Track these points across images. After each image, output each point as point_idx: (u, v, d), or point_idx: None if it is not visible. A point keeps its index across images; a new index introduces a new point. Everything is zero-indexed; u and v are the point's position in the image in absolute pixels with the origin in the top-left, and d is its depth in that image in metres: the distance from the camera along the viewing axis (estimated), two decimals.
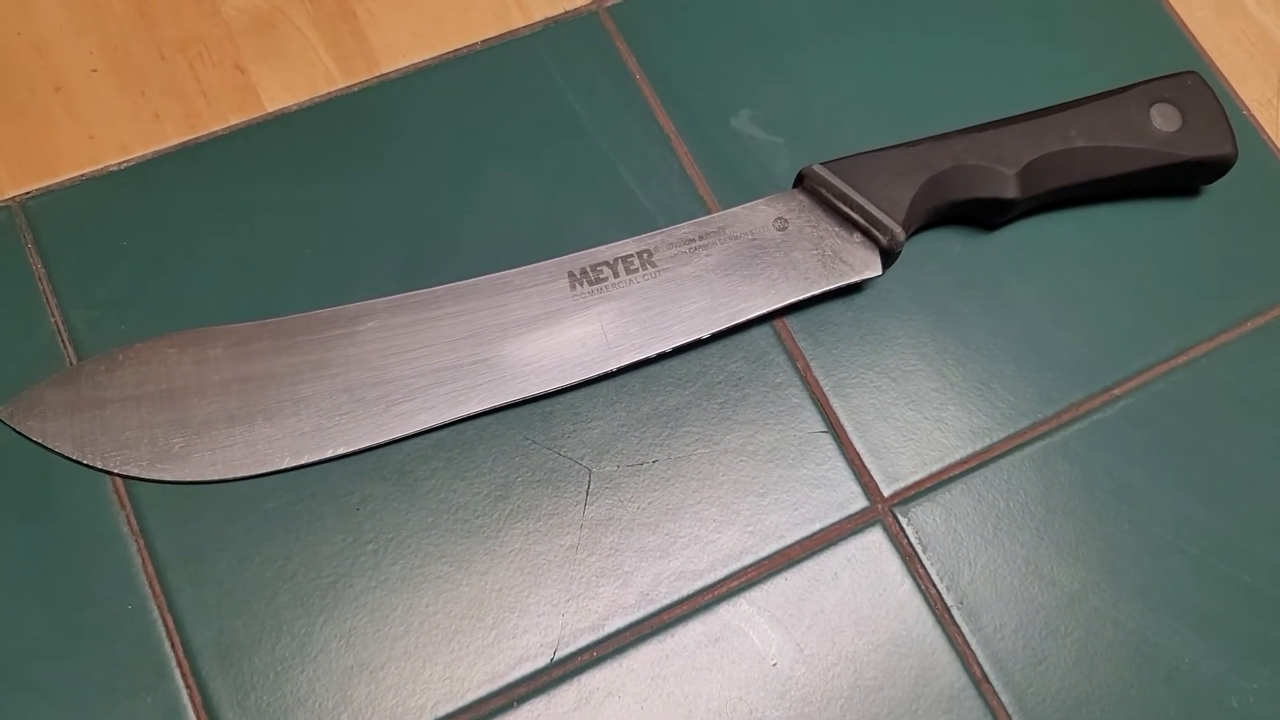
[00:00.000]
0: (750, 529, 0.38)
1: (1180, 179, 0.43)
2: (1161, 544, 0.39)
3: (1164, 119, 0.42)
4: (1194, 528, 0.39)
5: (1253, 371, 0.42)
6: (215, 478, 0.37)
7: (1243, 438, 0.41)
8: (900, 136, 0.42)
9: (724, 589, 0.37)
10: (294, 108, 0.43)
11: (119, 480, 0.37)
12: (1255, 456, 0.40)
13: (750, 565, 0.38)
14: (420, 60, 0.44)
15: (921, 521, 0.39)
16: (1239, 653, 0.38)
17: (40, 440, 0.37)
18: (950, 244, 0.43)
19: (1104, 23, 0.48)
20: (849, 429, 0.40)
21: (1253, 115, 0.47)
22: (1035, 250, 0.43)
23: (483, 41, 0.45)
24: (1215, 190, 0.44)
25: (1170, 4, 0.48)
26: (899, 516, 0.39)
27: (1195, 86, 0.43)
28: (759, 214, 0.41)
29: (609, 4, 0.46)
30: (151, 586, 0.36)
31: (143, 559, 0.36)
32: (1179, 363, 0.42)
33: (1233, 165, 0.42)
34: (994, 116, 0.42)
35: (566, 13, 0.45)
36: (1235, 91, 0.47)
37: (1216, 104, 0.42)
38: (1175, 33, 0.48)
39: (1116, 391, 0.41)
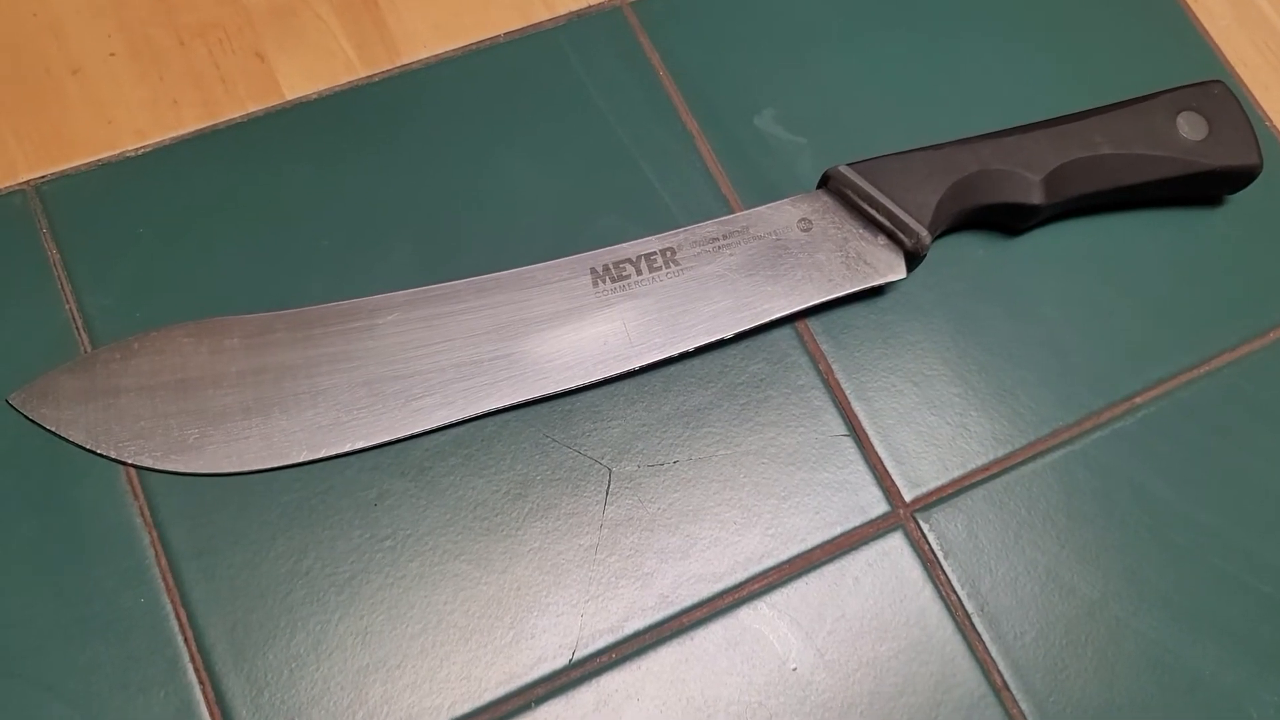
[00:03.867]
0: (771, 532, 0.38)
1: (1204, 188, 0.43)
2: (1182, 553, 0.39)
3: (1190, 127, 0.42)
4: (1215, 538, 0.39)
5: (1275, 382, 0.41)
6: (230, 470, 0.36)
7: (1264, 448, 0.41)
8: (923, 139, 0.41)
9: (744, 592, 0.37)
10: (313, 96, 0.42)
11: (132, 471, 0.36)
12: (1276, 467, 0.40)
13: (771, 568, 0.37)
14: (442, 51, 0.44)
15: (943, 527, 0.38)
16: (1260, 664, 0.37)
17: (53, 428, 0.36)
18: (973, 249, 0.43)
19: (1127, 29, 0.48)
20: (871, 433, 0.39)
21: (1274, 125, 0.47)
22: (1058, 257, 0.43)
23: (505, 34, 0.44)
24: (1238, 200, 0.44)
25: (1193, 13, 0.48)
26: (920, 522, 0.38)
27: (1221, 95, 0.43)
28: (783, 214, 0.40)
29: None
30: (164, 579, 0.35)
31: (156, 551, 0.35)
32: (1201, 372, 0.42)
33: (1258, 175, 0.42)
34: (1016, 121, 0.42)
35: (590, 6, 0.45)
36: (1258, 101, 0.47)
37: (1242, 113, 0.42)
38: (1198, 41, 0.48)
39: (1138, 400, 0.41)
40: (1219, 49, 0.48)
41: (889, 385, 0.40)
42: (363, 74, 0.43)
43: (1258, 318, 0.43)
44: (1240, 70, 0.47)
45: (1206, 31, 0.48)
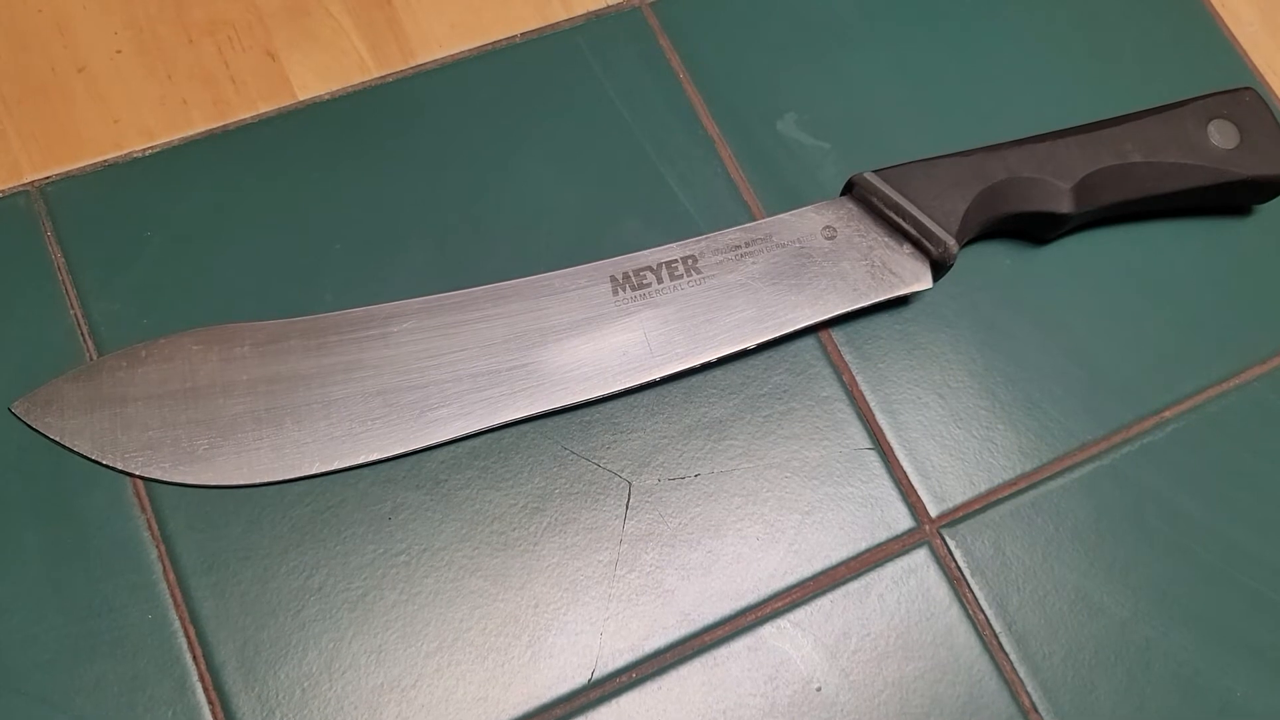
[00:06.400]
0: (794, 548, 0.37)
1: (1235, 197, 0.42)
2: (1213, 572, 0.38)
3: (1221, 136, 0.41)
4: (1246, 556, 0.38)
5: None
6: (241, 482, 0.35)
7: None
8: (948, 146, 0.40)
9: (768, 610, 0.36)
10: (326, 97, 0.41)
11: (140, 482, 0.35)
12: None
13: (794, 585, 0.36)
14: (458, 51, 0.43)
15: (970, 544, 0.37)
16: None
17: (58, 438, 0.35)
18: (1000, 258, 0.42)
19: (1155, 36, 0.47)
20: (896, 446, 0.39)
21: None
22: (1085, 267, 0.42)
23: (522, 34, 0.43)
24: (1267, 210, 0.44)
25: (1221, 19, 0.47)
26: (946, 539, 0.37)
27: (1253, 103, 0.42)
28: (807, 221, 0.40)
29: None
30: (173, 595, 0.34)
31: (164, 566, 0.34)
32: (1230, 386, 0.41)
33: None
34: (1043, 127, 0.41)
35: (608, 7, 0.44)
36: None
37: (1274, 121, 0.41)
38: (1226, 48, 0.47)
39: (1167, 414, 0.40)
40: (1247, 55, 0.47)
41: (914, 397, 0.39)
42: (376, 74, 0.42)
43: None
44: (1268, 76, 0.47)
45: (1234, 36, 0.47)
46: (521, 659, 0.34)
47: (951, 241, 0.38)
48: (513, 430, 0.37)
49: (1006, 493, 0.38)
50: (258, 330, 0.37)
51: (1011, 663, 0.36)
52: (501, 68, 0.42)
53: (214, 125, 0.40)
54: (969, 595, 0.37)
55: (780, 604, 0.36)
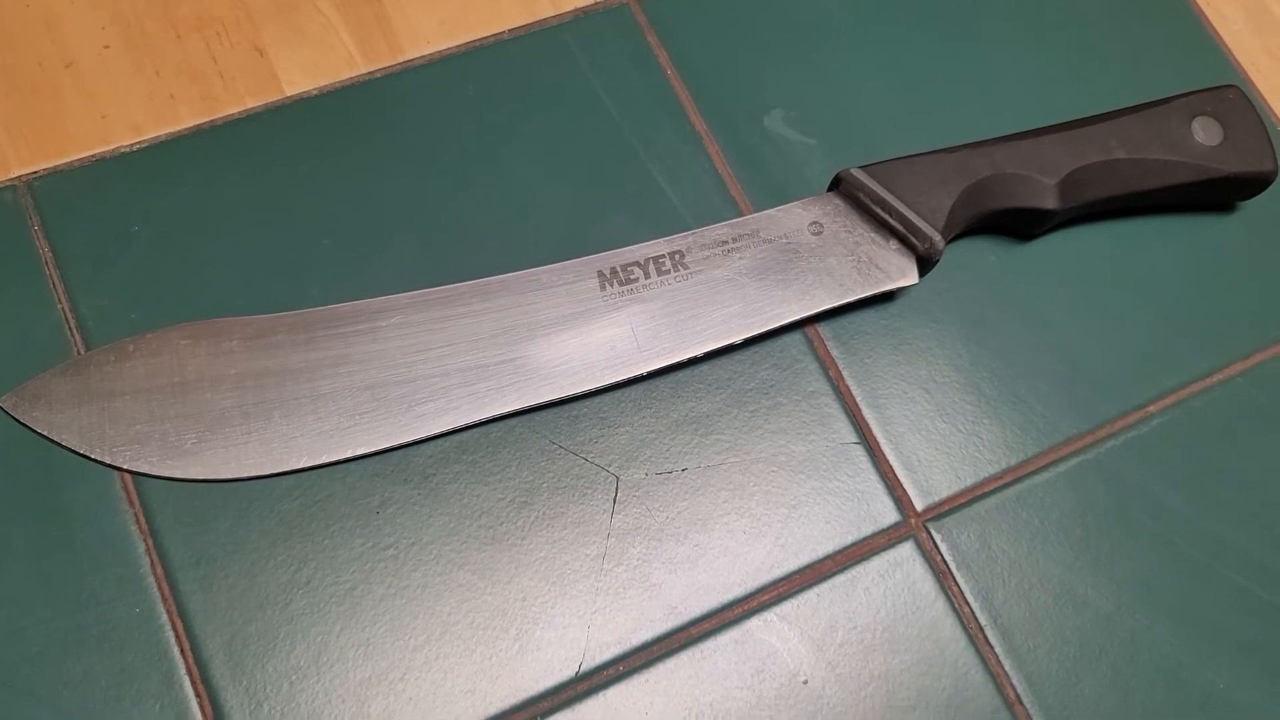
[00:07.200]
0: (781, 542, 0.37)
1: (1219, 194, 0.43)
2: (1197, 566, 0.38)
3: (1205, 133, 0.41)
4: (1229, 550, 0.38)
5: None
6: (229, 476, 0.35)
7: (1277, 458, 0.40)
8: (934, 142, 0.41)
9: (754, 603, 0.36)
10: (314, 92, 0.41)
11: (128, 476, 0.35)
12: None
13: (781, 579, 0.37)
14: (446, 47, 0.43)
15: (955, 538, 0.38)
16: (1274, 679, 0.37)
17: (45, 432, 0.35)
18: (985, 254, 0.42)
19: (1139, 33, 0.47)
20: (882, 441, 0.39)
21: None
22: (1070, 263, 0.42)
23: (510, 30, 0.43)
24: (1251, 206, 0.44)
25: (1206, 17, 0.48)
26: (932, 532, 0.38)
27: (1236, 100, 0.42)
28: (793, 217, 0.40)
29: None
30: (160, 589, 0.34)
31: (151, 560, 0.34)
32: (1213, 381, 0.41)
33: (1273, 181, 0.42)
34: (1029, 124, 0.42)
35: (596, 3, 0.44)
36: (1270, 106, 0.46)
37: (1258, 119, 0.42)
38: (1211, 46, 0.47)
39: (1151, 409, 0.40)
40: (1231, 53, 0.47)
41: (900, 392, 0.40)
42: (364, 70, 0.42)
43: (1270, 326, 0.42)
44: (1252, 74, 0.47)
45: (1219, 35, 0.47)
46: (509, 652, 0.35)
47: (937, 237, 0.39)
48: (500, 425, 0.37)
49: (992, 487, 0.39)
50: (245, 325, 0.37)
51: (997, 655, 0.36)
52: (489, 64, 0.43)
53: (202, 121, 0.40)
54: (954, 588, 0.37)
55: (767, 597, 0.36)
